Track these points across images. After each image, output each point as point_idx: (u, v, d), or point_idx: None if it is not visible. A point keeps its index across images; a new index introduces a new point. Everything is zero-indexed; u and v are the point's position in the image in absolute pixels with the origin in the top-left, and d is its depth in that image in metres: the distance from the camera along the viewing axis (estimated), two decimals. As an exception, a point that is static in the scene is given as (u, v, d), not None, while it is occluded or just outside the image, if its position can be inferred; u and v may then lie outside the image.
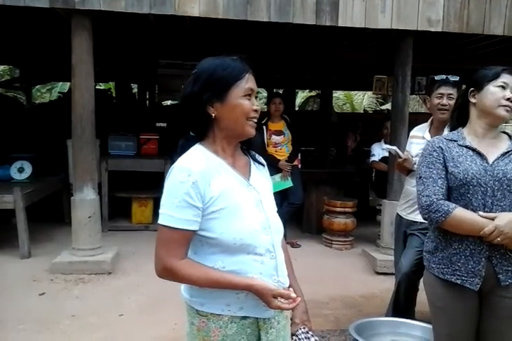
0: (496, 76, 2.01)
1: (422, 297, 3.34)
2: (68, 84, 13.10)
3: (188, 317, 1.55)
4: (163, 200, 1.44)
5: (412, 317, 3.18)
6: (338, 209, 5.59)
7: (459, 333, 2.02)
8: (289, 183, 5.48)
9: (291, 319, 1.64)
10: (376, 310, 3.66)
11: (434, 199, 1.94)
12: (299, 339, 1.60)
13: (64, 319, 3.58)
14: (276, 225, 1.57)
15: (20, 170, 5.69)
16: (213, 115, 1.48)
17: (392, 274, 3.82)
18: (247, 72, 1.50)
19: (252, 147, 1.66)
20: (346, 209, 5.59)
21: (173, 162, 1.50)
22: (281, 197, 5.60)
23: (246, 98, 1.49)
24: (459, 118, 2.16)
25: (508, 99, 1.97)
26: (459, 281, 1.96)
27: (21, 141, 6.62)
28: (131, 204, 6.17)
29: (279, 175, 5.45)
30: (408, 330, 2.93)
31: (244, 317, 1.49)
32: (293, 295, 1.45)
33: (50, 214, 6.31)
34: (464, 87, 2.23)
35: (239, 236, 1.44)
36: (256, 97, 1.56)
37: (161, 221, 1.44)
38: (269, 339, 1.50)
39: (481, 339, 2.04)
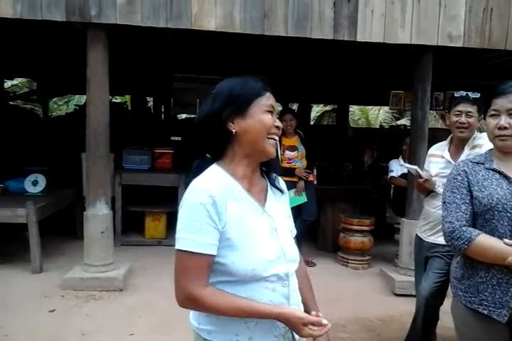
0: (488, 104, 1.95)
1: (443, 321, 3.25)
2: (85, 96, 13.21)
3: None
4: (182, 224, 1.37)
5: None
6: (355, 227, 5.46)
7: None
8: (303, 199, 5.37)
9: None
10: (394, 334, 3.53)
11: (457, 226, 1.87)
12: None
13: (73, 337, 3.50)
14: (292, 254, 1.50)
15: (35, 183, 5.66)
16: (234, 131, 1.44)
17: (411, 296, 3.70)
18: (267, 91, 1.48)
19: (272, 169, 1.60)
20: (363, 228, 5.46)
21: (188, 183, 1.44)
22: (295, 213, 5.51)
23: (268, 113, 1.46)
24: None
25: (500, 128, 1.89)
26: (485, 312, 1.86)
27: (36, 153, 6.62)
28: (145, 219, 6.11)
29: (293, 190, 5.35)
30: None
31: None
32: (324, 321, 1.37)
33: (63, 228, 6.27)
34: None
35: (251, 267, 1.37)
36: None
37: (181, 246, 1.36)
38: None
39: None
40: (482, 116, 2.10)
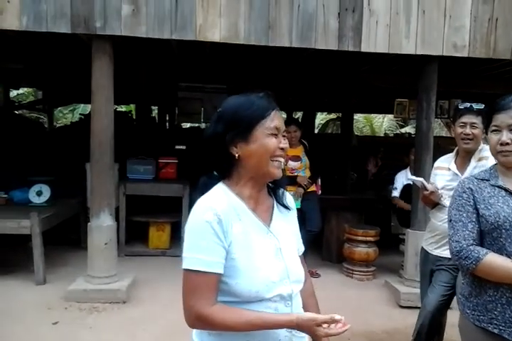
0: (489, 120, 1.94)
1: (449, 333, 3.21)
2: (90, 105, 13.27)
3: None
4: (188, 243, 1.36)
5: None
6: (360, 238, 5.43)
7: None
8: (297, 205, 5.32)
9: None
10: (400, 348, 3.49)
11: (464, 245, 1.84)
12: None
13: (76, 350, 3.49)
14: (297, 275, 1.49)
15: (39, 193, 5.66)
16: (237, 155, 1.43)
17: (416, 308, 3.66)
18: (272, 110, 1.44)
19: (279, 186, 1.58)
20: (368, 238, 5.42)
21: (194, 199, 1.44)
22: (299, 224, 5.47)
23: (272, 136, 1.43)
24: None
25: (502, 144, 1.87)
26: (496, 330, 1.82)
27: (41, 163, 6.63)
28: (149, 229, 6.09)
29: (292, 193, 5.28)
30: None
31: None
32: (337, 317, 1.33)
33: (67, 238, 6.26)
34: None
35: (254, 288, 1.36)
36: (284, 136, 1.48)
37: (188, 265, 1.35)
38: None
39: None
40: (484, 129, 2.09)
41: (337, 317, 1.33)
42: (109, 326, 3.90)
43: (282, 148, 1.45)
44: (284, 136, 1.48)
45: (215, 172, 1.49)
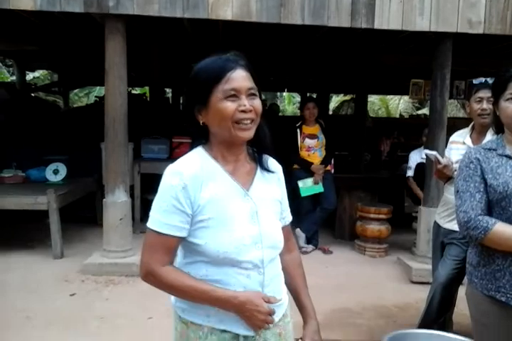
0: (504, 88, 1.87)
1: (459, 307, 3.25)
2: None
3: (173, 321, 1.51)
4: (154, 203, 1.40)
5: (442, 328, 3.05)
6: (372, 216, 5.45)
7: (503, 351, 1.89)
8: (320, 188, 5.39)
9: (301, 338, 1.56)
10: (411, 321, 3.52)
11: (472, 216, 1.82)
12: None
13: (93, 320, 3.58)
14: (271, 240, 1.46)
15: (55, 172, 5.77)
16: (201, 122, 1.42)
17: (428, 283, 3.69)
18: (228, 71, 1.37)
19: (264, 150, 1.53)
20: (380, 216, 5.44)
21: None
22: (314, 201, 5.53)
23: (228, 100, 1.36)
24: (497, 124, 2.03)
25: None
26: (503, 298, 1.83)
27: (57, 143, 6.72)
28: (163, 207, 6.15)
29: (311, 179, 5.37)
30: (445, 343, 2.80)
31: (224, 331, 1.41)
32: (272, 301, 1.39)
33: (83, 216, 6.37)
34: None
35: (223, 249, 1.36)
36: (254, 94, 1.41)
37: (148, 224, 1.39)
38: None
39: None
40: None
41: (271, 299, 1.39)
42: (125, 298, 4.00)
43: (243, 111, 1.37)
44: (252, 95, 1.40)
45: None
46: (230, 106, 1.36)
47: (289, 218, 1.65)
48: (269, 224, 1.47)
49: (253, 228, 1.42)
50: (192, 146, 1.49)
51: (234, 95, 1.37)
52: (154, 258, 1.38)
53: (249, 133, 1.40)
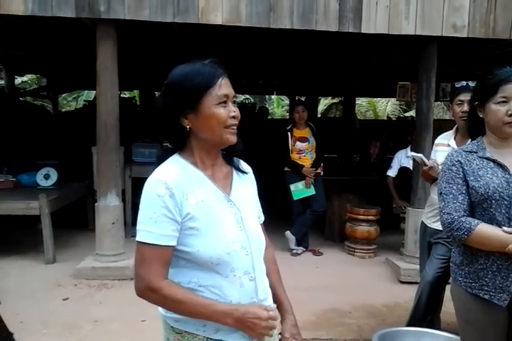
0: (494, 91, 1.91)
1: (447, 307, 3.31)
2: (94, 92, 13.31)
3: (164, 332, 1.50)
4: (141, 216, 1.37)
5: (429, 326, 3.12)
6: (361, 217, 5.53)
7: (488, 347, 1.96)
8: (311, 191, 5.46)
9: (280, 334, 1.58)
10: (400, 320, 3.59)
11: (456, 217, 1.88)
12: None
13: (87, 324, 3.61)
14: (257, 243, 1.49)
15: (46, 176, 5.78)
16: (188, 127, 1.42)
17: (416, 283, 3.76)
18: (219, 78, 1.40)
19: (235, 153, 1.56)
20: (369, 217, 5.53)
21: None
22: (304, 204, 5.59)
23: (221, 106, 1.40)
24: (471, 129, 2.08)
25: (511, 115, 1.87)
26: (486, 296, 1.90)
27: (47, 148, 6.72)
28: (154, 211, 6.16)
29: (302, 182, 5.44)
30: (433, 341, 2.87)
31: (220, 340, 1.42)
32: (270, 311, 1.40)
33: (75, 221, 6.37)
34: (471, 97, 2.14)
35: (216, 255, 1.37)
36: (234, 102, 1.46)
37: (139, 238, 1.36)
38: None
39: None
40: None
41: (270, 311, 1.40)
42: (118, 301, 4.03)
43: (234, 117, 1.42)
44: (235, 102, 1.45)
45: (169, 145, 1.49)
46: (222, 112, 1.39)
47: (263, 217, 1.66)
48: (254, 228, 1.50)
49: (240, 233, 1.43)
50: (165, 154, 1.48)
51: (225, 101, 1.40)
52: (153, 273, 1.35)
53: (235, 138, 1.45)
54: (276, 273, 1.66)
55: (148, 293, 1.37)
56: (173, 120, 1.41)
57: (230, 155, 1.56)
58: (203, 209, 1.38)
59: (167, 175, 1.38)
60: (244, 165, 1.60)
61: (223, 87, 1.40)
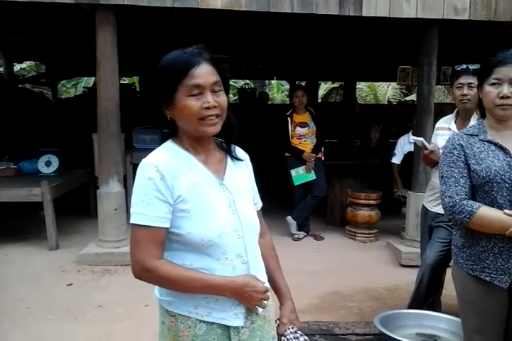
0: (488, 72, 1.92)
1: (448, 289, 3.35)
2: (93, 79, 13.27)
3: (159, 316, 1.53)
4: (134, 199, 1.39)
5: (430, 308, 3.16)
6: (362, 202, 5.55)
7: (488, 327, 1.99)
8: (312, 176, 5.47)
9: (278, 319, 1.61)
10: (401, 303, 3.63)
11: (457, 200, 1.90)
12: (288, 339, 1.56)
13: (91, 309, 3.65)
14: (250, 227, 1.49)
15: (48, 163, 5.79)
16: (168, 117, 1.44)
17: (417, 266, 3.79)
18: (193, 67, 1.37)
19: (230, 140, 1.56)
20: (370, 202, 5.55)
21: None
22: (305, 189, 5.60)
23: (193, 98, 1.38)
24: (481, 108, 2.08)
25: (502, 97, 1.88)
26: (487, 278, 1.92)
27: (48, 135, 6.73)
28: (156, 197, 6.19)
29: (303, 167, 5.45)
30: (434, 323, 2.92)
31: (212, 323, 1.44)
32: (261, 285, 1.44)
33: (77, 208, 6.40)
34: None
35: (207, 238, 1.38)
36: (214, 90, 1.40)
37: (133, 220, 1.39)
38: (241, 338, 1.45)
39: (510, 332, 2.01)
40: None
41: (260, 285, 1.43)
42: (122, 286, 4.07)
43: (207, 108, 1.38)
44: (216, 90, 1.40)
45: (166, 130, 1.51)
46: (194, 104, 1.37)
47: (260, 203, 1.66)
48: (247, 212, 1.50)
49: (232, 216, 1.44)
50: (163, 139, 1.51)
51: (198, 92, 1.38)
52: (147, 254, 1.37)
53: (215, 129, 1.42)
54: (275, 259, 1.68)
55: (144, 273, 1.40)
56: (159, 109, 1.44)
57: (226, 142, 1.56)
58: (194, 192, 1.40)
59: (157, 158, 1.40)
60: (240, 152, 1.60)
61: (197, 76, 1.37)
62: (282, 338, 1.57)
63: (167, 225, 1.39)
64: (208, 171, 1.46)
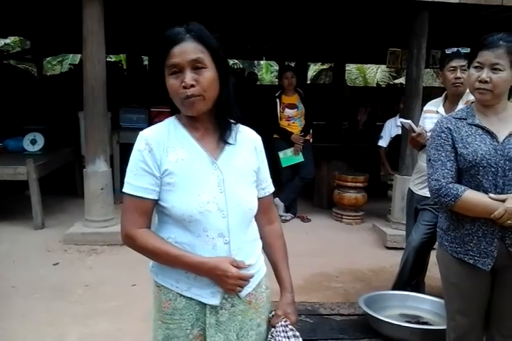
0: (473, 56, 1.94)
1: (432, 271, 3.40)
2: (79, 56, 13.03)
3: (152, 285, 1.56)
4: (127, 169, 1.45)
5: (414, 290, 3.21)
6: (349, 184, 5.58)
7: (471, 308, 2.03)
8: (300, 158, 5.47)
9: (273, 310, 1.60)
10: (385, 284, 3.68)
11: (443, 183, 1.91)
12: (276, 331, 1.52)
13: (77, 288, 3.66)
14: (238, 209, 1.46)
15: (33, 142, 5.72)
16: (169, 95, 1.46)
17: (402, 249, 3.84)
18: (173, 46, 1.37)
19: (225, 119, 1.50)
20: (357, 184, 5.58)
21: None
22: (293, 171, 5.61)
23: (173, 77, 1.39)
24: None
25: (480, 81, 1.89)
26: (471, 261, 1.95)
27: (33, 112, 6.63)
28: (143, 177, 6.16)
29: (291, 149, 5.45)
30: (417, 304, 2.95)
31: (191, 298, 1.46)
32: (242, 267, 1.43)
33: (63, 187, 6.36)
34: None
35: (188, 213, 1.39)
36: (202, 67, 1.38)
37: (123, 189, 1.45)
38: (219, 320, 1.45)
39: (492, 313, 2.05)
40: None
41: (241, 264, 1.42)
42: (109, 266, 4.08)
43: (185, 87, 1.37)
44: (198, 68, 1.37)
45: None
46: (174, 83, 1.39)
47: (270, 189, 1.64)
48: (237, 193, 1.47)
49: (219, 195, 1.43)
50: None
51: (177, 70, 1.38)
52: (130, 221, 1.43)
53: (197, 109, 1.40)
54: (281, 249, 1.66)
55: (126, 239, 1.45)
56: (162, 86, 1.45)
57: (222, 122, 1.50)
58: (181, 167, 1.42)
59: (150, 132, 1.45)
60: (246, 134, 1.57)
61: (175, 55, 1.37)
62: (272, 329, 1.55)
63: (152, 197, 1.42)
64: (200, 148, 1.45)
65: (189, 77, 1.36)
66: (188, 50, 1.37)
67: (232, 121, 1.52)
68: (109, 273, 3.93)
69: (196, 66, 1.38)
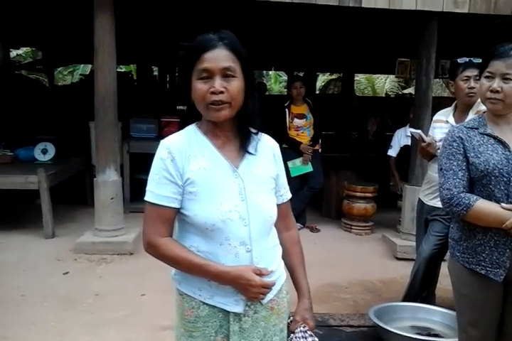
0: (484, 66, 1.95)
1: (443, 283, 3.37)
2: (90, 66, 13.18)
3: (174, 293, 1.56)
4: (149, 178, 1.46)
5: (425, 301, 3.18)
6: (359, 194, 5.56)
7: (482, 320, 2.01)
8: (309, 168, 5.47)
9: (291, 316, 1.60)
10: (396, 296, 3.65)
11: (455, 193, 1.90)
12: (296, 337, 1.54)
13: (87, 297, 3.66)
14: (260, 217, 1.47)
15: (44, 151, 5.77)
16: (191, 100, 1.46)
17: (412, 260, 3.81)
18: (206, 51, 1.38)
19: (243, 127, 1.50)
20: (367, 194, 5.56)
21: None
22: (302, 181, 5.61)
23: (201, 81, 1.39)
24: None
25: (492, 91, 1.89)
26: (483, 272, 1.93)
27: (44, 122, 6.69)
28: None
29: (300, 159, 5.45)
30: (428, 316, 2.94)
31: (214, 306, 1.46)
32: (265, 274, 1.43)
33: (73, 196, 6.38)
34: None
35: (210, 221, 1.40)
36: (232, 76, 1.39)
37: (145, 197, 1.46)
38: (243, 327, 1.46)
39: (505, 325, 2.03)
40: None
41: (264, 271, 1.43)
42: (118, 275, 4.08)
43: (213, 92, 1.37)
44: (228, 76, 1.38)
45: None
46: (201, 87, 1.39)
47: (288, 195, 1.65)
48: (258, 201, 1.47)
49: (240, 204, 1.43)
50: (187, 124, 1.53)
51: (207, 76, 1.38)
52: (152, 230, 1.44)
53: (222, 115, 1.41)
54: (298, 255, 1.66)
55: (148, 247, 1.46)
56: (187, 91, 1.46)
57: (244, 131, 1.51)
58: (203, 175, 1.42)
59: (172, 141, 1.45)
60: (266, 142, 1.59)
61: (207, 60, 1.38)
62: (291, 335, 1.56)
63: (174, 205, 1.43)
64: (221, 157, 1.46)
65: (219, 83, 1.38)
66: (221, 57, 1.39)
67: (253, 131, 1.53)
68: (119, 283, 3.93)
69: (227, 74, 1.39)
